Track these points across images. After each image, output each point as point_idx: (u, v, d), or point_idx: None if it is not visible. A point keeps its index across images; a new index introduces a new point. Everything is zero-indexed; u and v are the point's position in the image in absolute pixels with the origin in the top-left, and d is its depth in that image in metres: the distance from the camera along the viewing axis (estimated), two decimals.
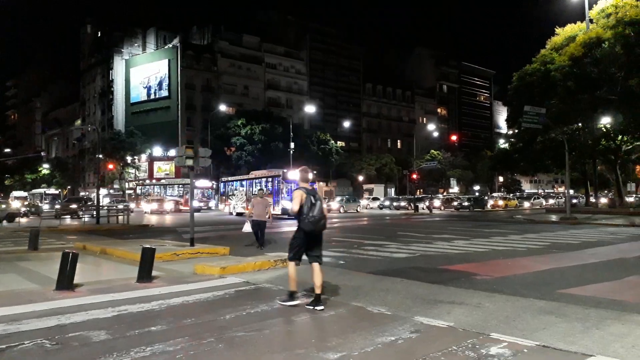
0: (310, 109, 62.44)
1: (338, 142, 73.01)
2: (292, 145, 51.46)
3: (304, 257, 6.54)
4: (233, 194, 36.33)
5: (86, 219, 29.69)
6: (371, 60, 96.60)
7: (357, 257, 11.63)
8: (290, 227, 18.25)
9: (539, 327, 5.31)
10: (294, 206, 6.35)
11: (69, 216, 31.82)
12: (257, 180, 32.93)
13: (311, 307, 6.15)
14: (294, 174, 28.47)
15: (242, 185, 34.79)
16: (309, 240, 6.40)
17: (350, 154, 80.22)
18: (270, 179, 31.02)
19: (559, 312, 5.96)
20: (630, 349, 4.50)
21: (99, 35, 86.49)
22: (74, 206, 34.83)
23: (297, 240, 6.46)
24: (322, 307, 6.13)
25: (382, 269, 9.82)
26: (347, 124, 73.37)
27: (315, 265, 6.43)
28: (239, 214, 33.01)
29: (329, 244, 14.99)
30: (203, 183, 49.41)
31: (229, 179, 39.35)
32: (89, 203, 39.14)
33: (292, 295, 6.45)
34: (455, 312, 5.99)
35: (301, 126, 68.65)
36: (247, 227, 12.28)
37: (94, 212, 30.79)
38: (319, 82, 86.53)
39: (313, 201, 6.34)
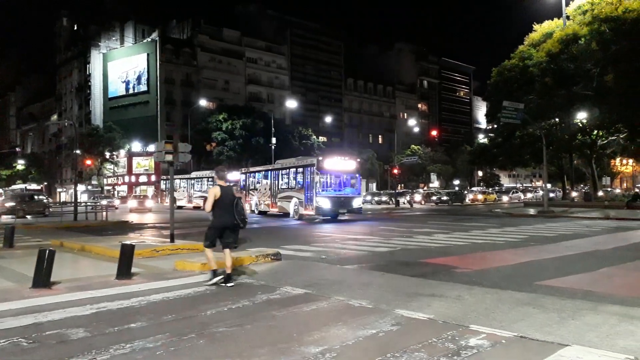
0: (291, 104, 62.26)
1: (320, 137, 73.04)
2: (273, 140, 51.23)
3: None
4: (255, 188, 30.11)
5: (29, 218, 27.05)
6: (352, 56, 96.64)
7: (339, 252, 11.67)
8: (320, 229, 17.76)
9: (517, 318, 5.41)
10: (207, 206, 7.40)
11: (6, 216, 27.25)
12: (283, 171, 26.40)
13: (223, 284, 7.23)
14: (332, 162, 23.42)
15: (266, 178, 28.22)
16: (222, 231, 7.44)
17: (333, 149, 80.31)
18: (300, 169, 24.28)
19: (537, 304, 6.07)
20: (605, 338, 4.61)
21: (76, 28, 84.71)
22: (10, 204, 28.58)
23: (212, 232, 7.50)
24: (232, 284, 7.24)
25: (364, 263, 9.87)
26: (328, 119, 73.35)
27: (227, 250, 7.46)
28: (262, 213, 28.40)
29: (310, 238, 15.00)
30: (233, 176, 39.77)
31: (251, 169, 32.77)
32: (40, 199, 32.99)
33: (214, 273, 7.41)
34: (435, 305, 6.06)
35: (282, 121, 68.45)
36: None
37: (46, 211, 29.13)
38: (300, 77, 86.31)
39: (231, 199, 7.37)
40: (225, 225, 7.42)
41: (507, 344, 4.52)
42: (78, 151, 41.19)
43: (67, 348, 4.46)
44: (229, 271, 7.37)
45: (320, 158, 23.38)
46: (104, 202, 38.64)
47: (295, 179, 25.04)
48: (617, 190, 69.13)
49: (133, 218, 28.39)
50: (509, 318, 5.40)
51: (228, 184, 7.76)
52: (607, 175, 64.10)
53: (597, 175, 43.41)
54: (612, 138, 39.08)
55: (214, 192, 7.36)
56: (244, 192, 31.15)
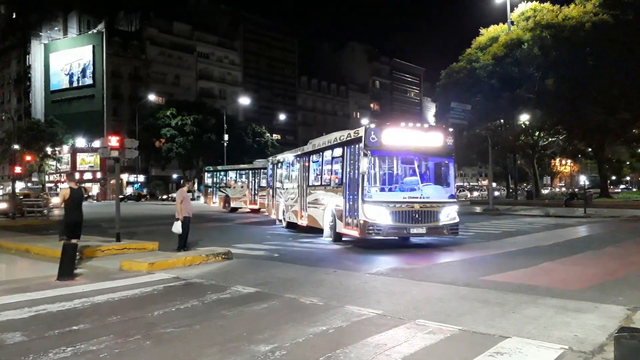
0: (244, 100, 61.58)
1: (274, 135, 72.65)
2: (226, 137, 50.55)
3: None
4: (282, 186, 18.75)
5: None
6: (306, 54, 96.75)
7: (292, 250, 11.66)
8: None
9: (463, 312, 5.59)
10: (59, 202, 8.96)
11: None
12: (315, 156, 15.35)
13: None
14: (396, 134, 12.04)
15: (295, 168, 17.09)
16: (74, 226, 8.62)
17: (287, 148, 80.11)
18: (338, 150, 13.30)
19: (481, 298, 6.31)
20: (542, 330, 4.85)
21: (14, 16, 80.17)
22: None
23: (66, 228, 8.63)
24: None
25: (316, 260, 9.91)
26: (282, 116, 73.06)
27: (75, 240, 8.56)
28: (291, 225, 17.13)
29: (264, 237, 14.90)
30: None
31: (279, 157, 20.11)
32: None
33: None
34: (384, 301, 6.17)
35: (235, 118, 67.61)
36: (178, 227, 10.48)
37: None
38: (253, 74, 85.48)
39: (79, 200, 8.70)
40: (76, 221, 8.64)
41: (452, 337, 4.67)
42: (17, 146, 38.93)
43: (2, 353, 4.23)
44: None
45: (372, 125, 12.12)
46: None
47: (330, 167, 14.20)
48: (557, 189, 72.82)
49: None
50: (455, 312, 5.58)
51: (79, 185, 9.27)
52: (548, 174, 67.31)
53: (538, 175, 45.54)
54: (552, 139, 41.11)
55: (64, 193, 8.56)
56: (271, 190, 20.46)
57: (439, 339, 4.58)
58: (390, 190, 12.46)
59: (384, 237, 11.54)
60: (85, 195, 9.78)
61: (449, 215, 11.72)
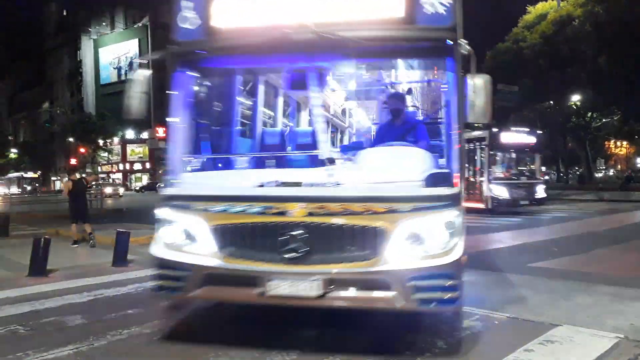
0: None
1: None
2: None
3: None
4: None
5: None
6: None
7: None
8: None
9: (511, 299, 5.48)
10: (64, 194, 10.83)
11: None
12: None
13: (74, 246, 10.25)
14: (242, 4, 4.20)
15: None
16: (78, 211, 10.46)
17: None
18: None
19: (530, 285, 6.15)
20: (595, 318, 4.69)
21: (64, 14, 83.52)
22: None
23: (73, 213, 10.48)
24: (77, 245, 10.27)
25: None
26: None
27: (87, 224, 10.45)
28: None
29: None
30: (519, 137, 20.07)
31: None
32: None
33: (75, 242, 10.35)
34: None
35: None
36: None
37: None
38: None
39: (82, 189, 10.63)
40: (79, 207, 10.41)
41: (499, 325, 4.59)
42: (71, 139, 40.67)
43: (65, 334, 4.49)
44: (90, 231, 10.36)
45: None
46: (109, 189, 37.37)
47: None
48: (611, 172, 69.60)
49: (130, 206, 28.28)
50: (502, 300, 5.47)
51: (78, 177, 11.08)
52: (602, 157, 64.37)
53: (591, 158, 43.63)
54: (606, 120, 39.23)
55: (67, 185, 10.48)
56: None
57: (487, 326, 4.52)
58: (228, 165, 5.26)
59: (190, 297, 4.20)
60: (88, 186, 11.40)
61: (427, 240, 3.84)
